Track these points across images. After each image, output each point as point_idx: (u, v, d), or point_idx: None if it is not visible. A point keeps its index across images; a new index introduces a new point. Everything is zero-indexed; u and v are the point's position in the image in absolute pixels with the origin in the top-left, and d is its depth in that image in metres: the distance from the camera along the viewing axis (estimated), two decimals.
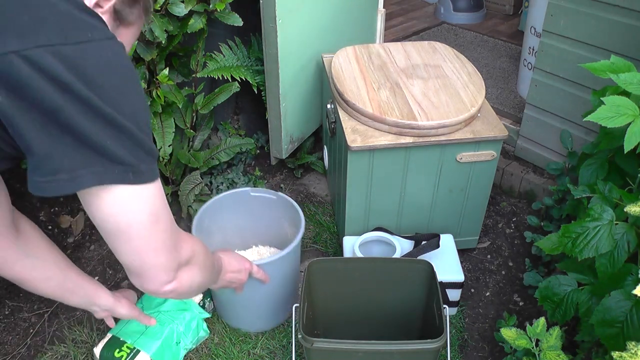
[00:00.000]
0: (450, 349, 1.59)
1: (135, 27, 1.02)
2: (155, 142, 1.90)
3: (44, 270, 1.28)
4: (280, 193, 1.84)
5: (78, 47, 0.79)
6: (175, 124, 1.96)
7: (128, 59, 0.89)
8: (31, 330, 1.77)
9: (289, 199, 1.81)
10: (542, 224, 2.04)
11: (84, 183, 0.83)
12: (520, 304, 1.90)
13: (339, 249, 2.03)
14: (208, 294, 1.74)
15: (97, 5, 0.91)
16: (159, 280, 1.01)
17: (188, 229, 2.09)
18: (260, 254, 1.93)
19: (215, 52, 2.09)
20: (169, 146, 1.91)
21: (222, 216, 1.85)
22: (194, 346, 1.70)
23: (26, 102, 0.77)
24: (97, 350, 1.58)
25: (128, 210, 0.89)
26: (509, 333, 1.31)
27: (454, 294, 1.77)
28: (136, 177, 0.87)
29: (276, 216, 1.87)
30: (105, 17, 0.92)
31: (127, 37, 1.01)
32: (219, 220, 1.84)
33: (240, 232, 1.92)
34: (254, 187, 2.27)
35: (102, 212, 0.89)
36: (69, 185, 0.82)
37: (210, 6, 1.79)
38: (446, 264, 1.75)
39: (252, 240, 1.96)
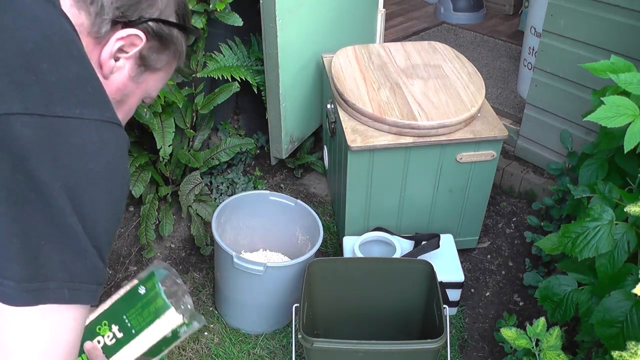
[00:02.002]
0: (450, 349, 1.59)
1: (163, 72, 0.91)
2: (156, 145, 1.90)
3: None
4: (299, 201, 1.85)
5: (59, 121, 0.65)
6: (175, 124, 1.96)
7: (123, 157, 0.72)
8: None
9: (308, 207, 1.82)
10: (542, 224, 2.04)
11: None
12: (520, 304, 1.90)
13: (339, 249, 2.03)
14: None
15: (121, 50, 0.81)
16: None
17: (187, 229, 2.09)
18: (267, 258, 1.93)
19: (215, 52, 2.09)
20: (169, 146, 1.91)
21: (238, 216, 1.86)
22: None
23: None
24: None
25: (31, 333, 0.66)
26: (509, 333, 1.31)
27: (454, 294, 1.77)
28: (71, 295, 0.67)
29: (290, 223, 1.88)
30: (129, 63, 0.84)
31: (152, 83, 0.90)
32: (233, 220, 1.85)
33: (250, 234, 1.92)
34: (255, 187, 2.27)
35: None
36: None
37: (210, 6, 1.79)
38: (446, 264, 1.75)
39: (261, 244, 1.96)
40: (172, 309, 1.12)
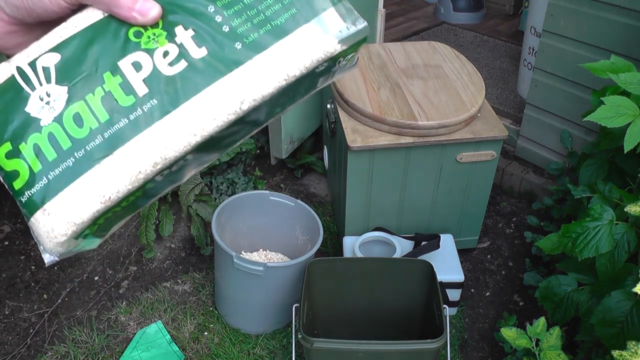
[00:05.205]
0: (450, 349, 1.59)
1: None
2: None
3: None
4: (299, 201, 1.84)
5: None
6: None
7: None
8: (31, 330, 1.77)
9: (308, 207, 1.82)
10: (542, 224, 2.04)
11: None
12: (520, 304, 1.90)
13: (339, 249, 2.03)
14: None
15: None
16: None
17: (187, 229, 2.09)
18: (267, 258, 1.93)
19: None
20: None
21: (238, 216, 1.86)
22: None
23: None
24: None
25: None
26: (509, 333, 1.31)
27: (454, 294, 1.77)
28: None
29: (290, 223, 1.88)
30: None
31: None
32: (233, 220, 1.85)
33: (250, 234, 1.92)
34: (255, 187, 2.27)
35: None
36: None
37: None
38: (446, 264, 1.75)
39: (261, 244, 1.96)
40: None
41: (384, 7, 2.54)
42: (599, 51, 1.93)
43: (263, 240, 1.95)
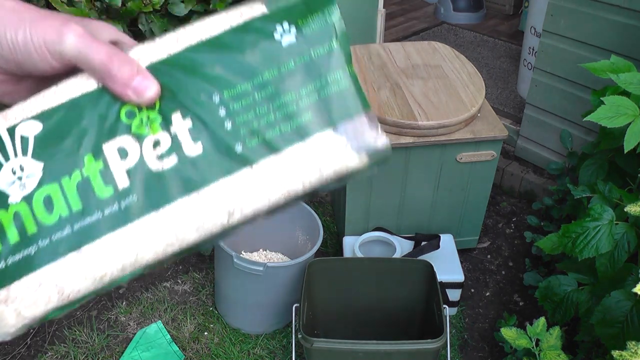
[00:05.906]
0: (450, 349, 1.59)
1: None
2: None
3: None
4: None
5: None
6: None
7: None
8: (31, 330, 1.77)
9: (308, 207, 1.81)
10: (542, 224, 2.04)
11: None
12: (520, 304, 1.90)
13: (339, 249, 2.03)
14: None
15: None
16: None
17: None
18: (267, 258, 1.93)
19: None
20: None
21: None
22: None
23: None
24: None
25: None
26: (509, 333, 1.31)
27: (454, 294, 1.77)
28: None
29: (290, 223, 1.87)
30: None
31: None
32: None
33: (250, 234, 1.92)
34: None
35: None
36: None
37: (210, 6, 1.79)
38: (446, 264, 1.75)
39: (261, 244, 1.96)
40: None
41: (384, 7, 2.54)
42: (599, 51, 1.93)
43: (263, 240, 1.95)
